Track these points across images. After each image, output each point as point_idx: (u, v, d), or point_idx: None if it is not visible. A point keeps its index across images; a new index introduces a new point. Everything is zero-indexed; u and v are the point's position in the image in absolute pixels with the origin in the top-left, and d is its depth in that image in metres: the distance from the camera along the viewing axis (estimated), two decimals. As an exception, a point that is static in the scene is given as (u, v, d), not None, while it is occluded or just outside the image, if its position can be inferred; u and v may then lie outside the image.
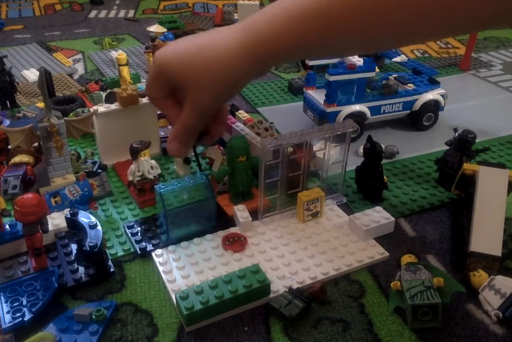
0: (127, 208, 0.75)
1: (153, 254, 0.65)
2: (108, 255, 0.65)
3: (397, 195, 0.78)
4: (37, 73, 0.88)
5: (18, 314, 0.55)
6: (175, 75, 0.48)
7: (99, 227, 0.63)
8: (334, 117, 0.91)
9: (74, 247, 0.66)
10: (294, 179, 0.71)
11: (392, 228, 0.69)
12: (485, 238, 0.62)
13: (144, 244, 0.67)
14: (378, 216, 0.68)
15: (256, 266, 0.59)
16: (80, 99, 1.02)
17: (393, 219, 0.69)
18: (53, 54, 1.40)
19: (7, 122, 0.91)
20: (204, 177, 0.68)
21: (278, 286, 0.59)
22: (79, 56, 1.41)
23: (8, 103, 1.06)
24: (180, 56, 0.48)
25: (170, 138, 0.53)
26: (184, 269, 0.62)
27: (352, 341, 0.54)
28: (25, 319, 0.55)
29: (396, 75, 1.01)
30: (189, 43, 0.50)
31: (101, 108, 0.81)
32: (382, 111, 0.95)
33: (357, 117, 0.90)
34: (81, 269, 0.62)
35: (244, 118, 0.90)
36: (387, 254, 0.65)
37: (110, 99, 0.91)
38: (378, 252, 0.65)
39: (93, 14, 1.84)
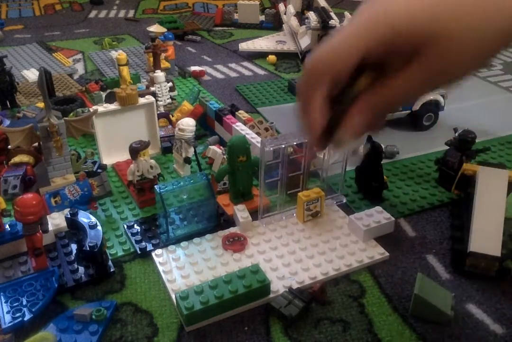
0: (127, 208, 0.75)
1: (153, 253, 0.65)
2: (108, 255, 0.65)
3: (397, 195, 0.78)
4: (37, 73, 0.88)
5: (18, 314, 0.55)
6: (421, 29, 0.34)
7: (99, 227, 0.63)
8: (334, 117, 0.91)
9: (74, 247, 0.66)
10: (294, 179, 0.71)
11: (392, 228, 0.69)
12: (484, 238, 0.62)
13: (144, 244, 0.67)
14: (378, 216, 0.68)
15: (256, 266, 0.59)
16: (80, 99, 1.02)
17: (393, 219, 0.69)
18: (53, 54, 1.40)
19: (7, 122, 0.91)
20: (204, 177, 0.68)
21: (278, 286, 0.59)
22: (79, 56, 1.41)
23: (8, 103, 1.06)
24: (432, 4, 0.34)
25: (358, 110, 0.39)
26: (184, 269, 0.62)
27: (352, 341, 0.54)
28: (25, 319, 0.55)
29: (396, 75, 1.01)
30: None
31: (101, 108, 0.81)
32: (382, 111, 0.95)
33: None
34: (81, 269, 0.62)
35: (244, 118, 0.90)
36: (387, 254, 0.65)
37: (110, 99, 0.91)
38: (378, 252, 0.65)
39: (93, 14, 1.84)
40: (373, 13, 0.37)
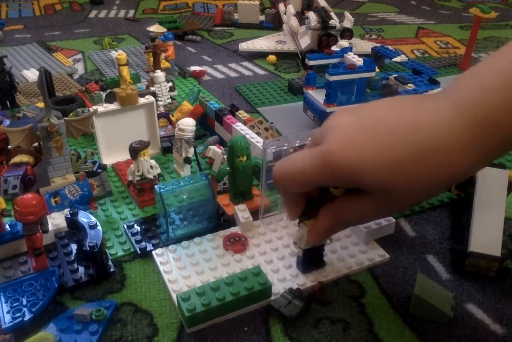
0: (127, 208, 0.75)
1: (153, 253, 0.65)
2: (108, 255, 0.65)
3: (397, 195, 0.78)
4: (37, 73, 0.88)
5: (18, 314, 0.55)
6: (362, 178, 0.37)
7: (99, 227, 0.63)
8: (334, 117, 0.91)
9: (74, 247, 0.66)
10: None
11: (393, 230, 0.69)
12: (484, 238, 0.62)
13: (144, 243, 0.67)
14: None
15: (258, 268, 0.59)
16: (80, 99, 1.02)
17: (393, 220, 0.68)
18: (53, 54, 1.40)
19: (7, 122, 0.91)
20: (204, 177, 0.68)
21: (279, 288, 0.59)
22: (79, 56, 1.41)
23: (8, 103, 1.06)
24: (373, 152, 0.36)
25: (318, 231, 0.47)
26: (185, 269, 0.62)
27: (352, 341, 0.54)
28: (25, 319, 0.55)
29: (396, 75, 1.01)
30: (376, 131, 0.37)
31: (101, 108, 0.81)
32: (382, 111, 0.95)
33: (357, 117, 0.90)
34: (81, 269, 0.62)
35: (244, 118, 0.90)
36: (387, 256, 0.65)
37: (110, 99, 0.91)
38: (378, 254, 0.65)
39: (93, 14, 1.84)
40: (327, 153, 0.39)
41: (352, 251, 0.66)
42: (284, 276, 0.61)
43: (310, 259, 0.61)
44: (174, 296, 0.58)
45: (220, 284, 0.56)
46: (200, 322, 0.55)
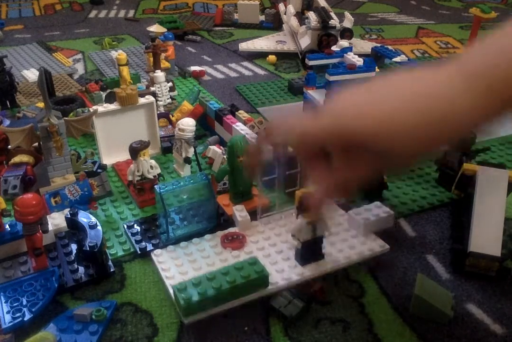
0: (127, 208, 0.75)
1: (152, 254, 0.65)
2: (108, 255, 0.65)
3: (397, 195, 0.78)
4: (37, 73, 0.88)
5: (18, 314, 0.55)
6: (369, 138, 0.38)
7: (99, 227, 0.63)
8: (334, 117, 0.91)
9: (74, 247, 0.66)
10: (291, 177, 0.71)
11: (392, 222, 0.69)
12: (484, 238, 0.62)
13: (144, 244, 0.67)
14: (377, 210, 0.68)
15: (254, 258, 0.59)
16: (80, 99, 1.02)
17: (392, 212, 0.68)
18: (53, 54, 1.40)
19: (7, 122, 0.91)
20: (204, 177, 0.68)
21: (277, 279, 0.59)
22: (79, 56, 1.41)
23: (8, 103, 1.06)
24: (383, 116, 0.37)
25: (321, 192, 0.44)
26: (182, 266, 0.62)
27: (352, 341, 0.54)
28: (25, 319, 0.55)
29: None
30: (385, 97, 0.38)
31: (101, 108, 0.81)
32: (382, 111, 0.95)
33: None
34: (81, 269, 0.62)
35: (244, 118, 0.90)
36: (387, 246, 0.65)
37: (110, 99, 0.91)
38: (378, 245, 0.65)
39: (93, 14, 1.84)
40: (332, 115, 0.40)
41: (351, 243, 0.66)
42: (282, 267, 0.61)
43: (309, 251, 0.61)
44: (171, 291, 0.58)
45: (216, 274, 0.56)
46: (196, 311, 0.55)
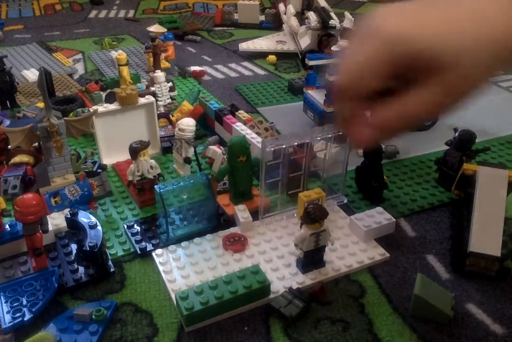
0: (127, 208, 0.75)
1: (153, 253, 0.65)
2: (108, 255, 0.65)
3: (397, 195, 0.78)
4: (37, 73, 0.88)
5: (18, 314, 0.55)
6: (425, 51, 0.36)
7: (99, 227, 0.63)
8: (334, 117, 0.91)
9: (74, 247, 0.66)
10: (294, 179, 0.71)
11: (393, 229, 0.69)
12: (484, 238, 0.62)
13: (144, 244, 0.67)
14: (379, 217, 0.68)
15: (256, 267, 0.59)
16: (80, 99, 1.02)
17: (394, 219, 0.68)
18: (53, 54, 1.40)
19: (7, 122, 0.91)
20: (204, 177, 0.68)
21: (278, 287, 0.59)
22: (79, 56, 1.41)
23: (8, 103, 1.06)
24: (434, 29, 0.36)
25: (369, 124, 0.40)
26: (184, 269, 0.62)
27: (352, 341, 0.54)
28: (25, 319, 0.55)
29: (396, 75, 1.01)
30: (435, 16, 0.37)
31: (101, 108, 0.81)
32: (382, 111, 0.95)
33: (357, 117, 0.90)
34: (81, 269, 0.63)
35: (244, 118, 0.90)
36: (387, 255, 0.65)
37: (110, 99, 0.91)
38: (378, 253, 0.65)
39: (93, 14, 1.84)
40: (388, 35, 0.38)
41: (352, 249, 0.66)
42: (283, 274, 0.61)
43: (311, 259, 0.61)
44: (173, 296, 0.58)
45: (219, 283, 0.56)
46: (198, 320, 0.55)
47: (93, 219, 0.65)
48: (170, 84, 1.04)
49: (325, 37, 1.27)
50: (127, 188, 0.78)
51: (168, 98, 1.03)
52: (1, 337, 0.53)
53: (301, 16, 1.47)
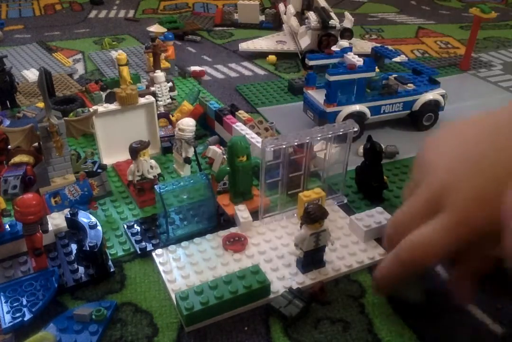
0: (127, 208, 0.75)
1: (153, 253, 0.65)
2: (108, 255, 0.65)
3: (397, 195, 0.78)
4: (37, 73, 0.88)
5: (18, 314, 0.55)
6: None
7: (99, 227, 0.63)
8: (334, 117, 0.91)
9: (74, 247, 0.66)
10: (294, 179, 0.71)
11: None
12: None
13: (144, 244, 0.67)
14: (379, 217, 0.68)
15: (256, 266, 0.59)
16: (80, 99, 1.02)
17: None
18: (53, 54, 1.40)
19: (7, 122, 0.91)
20: (204, 177, 0.68)
21: (278, 287, 0.59)
22: (79, 56, 1.41)
23: (8, 103, 1.06)
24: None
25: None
26: (184, 269, 0.62)
27: (352, 341, 0.54)
28: (25, 319, 0.55)
29: (396, 75, 1.01)
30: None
31: (101, 108, 0.81)
32: (382, 111, 0.95)
33: (357, 117, 0.90)
34: (81, 269, 0.62)
35: (244, 118, 0.90)
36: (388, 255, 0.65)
37: (110, 99, 0.91)
38: (379, 253, 0.65)
39: (93, 14, 1.84)
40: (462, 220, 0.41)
41: (352, 249, 0.66)
42: (283, 274, 0.61)
43: (311, 259, 0.61)
44: (173, 296, 0.58)
45: (219, 283, 0.56)
46: (198, 320, 0.55)
47: (93, 219, 0.65)
48: (170, 84, 1.04)
49: (325, 37, 1.27)
50: (127, 188, 0.78)
51: (168, 98, 1.03)
52: (1, 337, 0.53)
53: (301, 16, 1.47)
